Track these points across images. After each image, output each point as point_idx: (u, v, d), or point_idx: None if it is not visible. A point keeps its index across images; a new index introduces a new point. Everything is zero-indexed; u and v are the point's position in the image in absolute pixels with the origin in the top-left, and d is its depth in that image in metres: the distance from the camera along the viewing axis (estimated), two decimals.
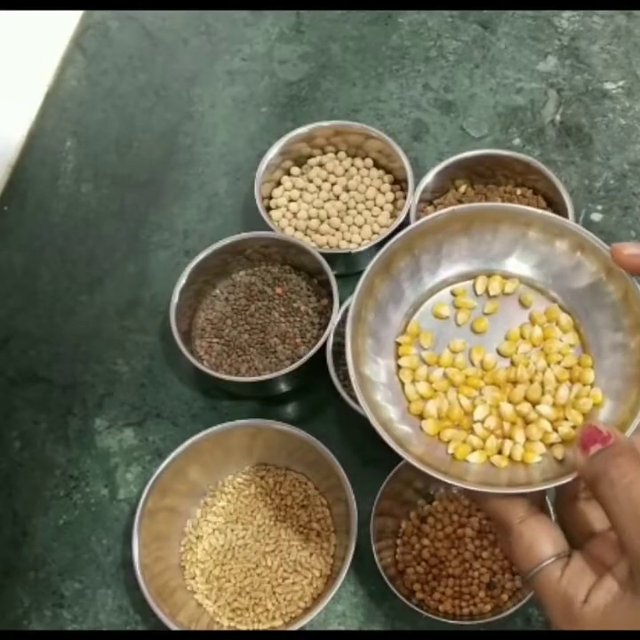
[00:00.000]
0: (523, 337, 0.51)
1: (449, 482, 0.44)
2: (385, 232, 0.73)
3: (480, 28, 0.89)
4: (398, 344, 0.51)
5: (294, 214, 0.77)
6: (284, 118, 0.85)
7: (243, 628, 0.64)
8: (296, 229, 0.77)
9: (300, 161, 0.79)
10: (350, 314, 0.48)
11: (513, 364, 0.50)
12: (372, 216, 0.77)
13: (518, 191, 0.75)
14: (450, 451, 0.47)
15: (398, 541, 0.66)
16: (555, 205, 0.73)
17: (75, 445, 0.72)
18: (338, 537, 0.66)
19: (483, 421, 0.48)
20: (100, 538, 0.69)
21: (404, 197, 0.75)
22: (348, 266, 0.76)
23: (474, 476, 0.46)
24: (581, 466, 0.40)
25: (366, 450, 0.70)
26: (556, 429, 0.47)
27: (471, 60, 0.87)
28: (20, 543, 0.69)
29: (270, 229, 0.74)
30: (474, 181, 0.76)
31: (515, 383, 0.49)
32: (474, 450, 0.47)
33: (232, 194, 0.82)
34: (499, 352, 0.51)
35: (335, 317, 0.69)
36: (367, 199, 0.77)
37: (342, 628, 0.64)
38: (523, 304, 0.52)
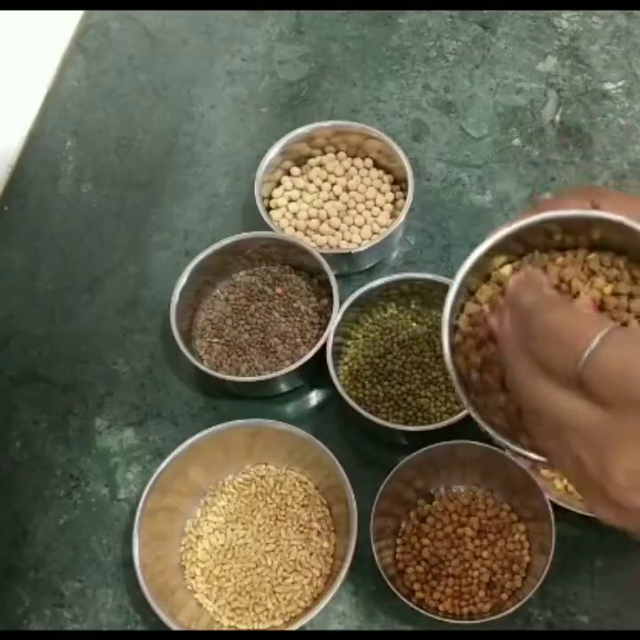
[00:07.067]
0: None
1: None
2: (385, 232, 0.73)
3: (480, 28, 0.89)
4: None
5: (294, 214, 0.77)
6: (283, 118, 0.85)
7: (243, 627, 0.64)
8: (296, 229, 0.77)
9: (300, 161, 0.79)
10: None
11: None
12: (372, 216, 0.77)
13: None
14: None
15: (398, 541, 0.66)
16: None
17: (75, 445, 0.72)
18: (338, 537, 0.66)
19: None
20: (100, 537, 0.69)
21: (404, 197, 0.75)
22: (348, 266, 0.76)
23: None
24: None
25: (366, 450, 0.70)
26: None
27: (471, 61, 0.87)
28: (21, 543, 0.69)
29: (270, 229, 0.74)
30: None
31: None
32: None
33: (232, 194, 0.82)
34: None
35: (335, 317, 0.69)
36: (367, 199, 0.77)
37: (342, 627, 0.64)
38: None
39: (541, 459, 0.40)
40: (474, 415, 0.41)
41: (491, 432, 0.41)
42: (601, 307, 0.40)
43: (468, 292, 0.44)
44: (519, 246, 0.43)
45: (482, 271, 0.44)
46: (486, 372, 0.42)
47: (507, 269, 0.44)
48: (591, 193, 0.42)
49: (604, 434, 0.33)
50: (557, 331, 0.35)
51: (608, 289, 0.41)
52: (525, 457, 0.41)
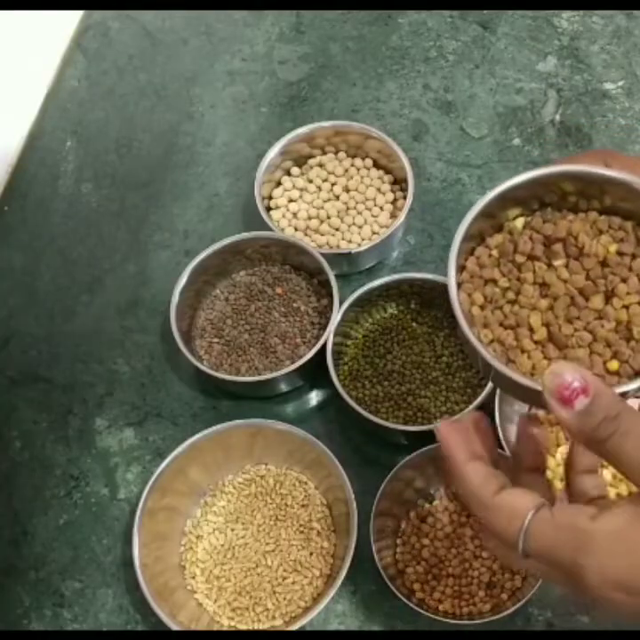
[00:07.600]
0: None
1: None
2: (385, 232, 0.73)
3: (480, 28, 0.89)
4: None
5: (294, 214, 0.77)
6: (283, 118, 0.85)
7: (243, 627, 0.64)
8: (296, 229, 0.77)
9: (300, 161, 0.80)
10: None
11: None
12: (372, 216, 0.77)
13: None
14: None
15: (398, 541, 0.66)
16: None
17: (75, 445, 0.72)
18: (338, 537, 0.66)
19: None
20: (100, 537, 0.69)
21: (404, 197, 0.75)
22: (347, 266, 0.76)
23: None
24: (570, 424, 0.38)
25: (366, 450, 0.70)
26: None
27: (471, 61, 0.87)
28: (21, 543, 0.69)
29: (270, 229, 0.74)
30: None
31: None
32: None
33: (232, 194, 0.82)
34: None
35: (335, 317, 0.69)
36: (367, 199, 0.77)
37: (342, 627, 0.64)
38: None
39: (537, 386, 0.40)
40: (475, 343, 0.43)
41: (488, 356, 0.42)
42: (605, 263, 0.43)
43: (480, 238, 0.46)
44: (534, 202, 0.46)
45: (495, 220, 0.46)
46: (486, 309, 0.45)
47: (519, 222, 0.46)
48: (603, 154, 0.45)
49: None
50: (490, 527, 0.41)
51: (613, 248, 0.43)
52: (521, 384, 0.41)
